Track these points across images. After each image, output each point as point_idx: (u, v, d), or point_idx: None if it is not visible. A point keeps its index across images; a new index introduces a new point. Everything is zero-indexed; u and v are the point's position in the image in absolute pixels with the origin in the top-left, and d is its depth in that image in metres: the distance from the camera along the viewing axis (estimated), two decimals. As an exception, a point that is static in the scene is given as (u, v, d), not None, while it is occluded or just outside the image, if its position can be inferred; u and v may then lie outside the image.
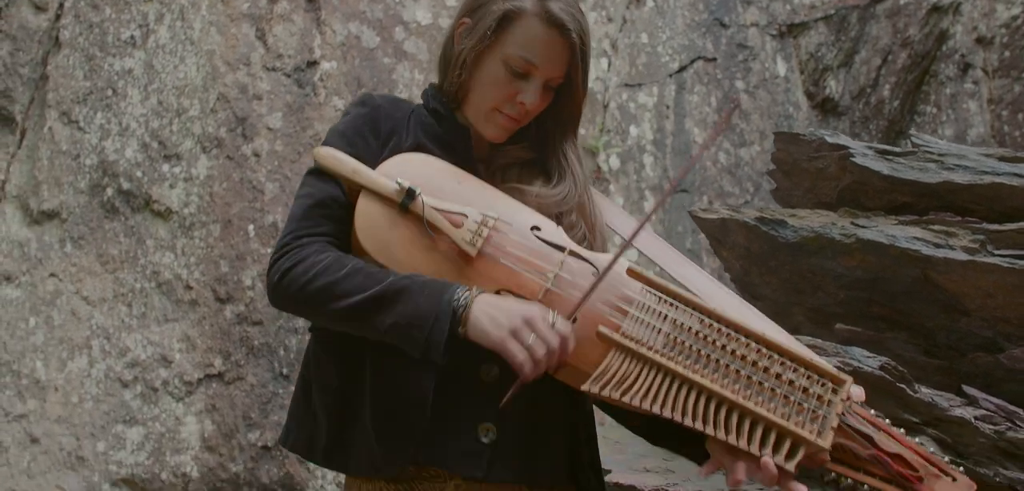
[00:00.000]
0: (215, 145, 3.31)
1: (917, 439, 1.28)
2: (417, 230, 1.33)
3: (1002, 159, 2.64)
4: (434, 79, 1.56)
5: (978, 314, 2.37)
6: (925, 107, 3.79)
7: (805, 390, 1.25)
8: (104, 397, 3.17)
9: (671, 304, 1.31)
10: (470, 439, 1.35)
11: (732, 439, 1.21)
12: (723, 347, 1.27)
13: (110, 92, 3.38)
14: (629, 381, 1.24)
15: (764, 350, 1.28)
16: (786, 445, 1.21)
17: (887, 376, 2.11)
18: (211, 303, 3.20)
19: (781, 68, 3.86)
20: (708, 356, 1.26)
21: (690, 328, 1.29)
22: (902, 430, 1.28)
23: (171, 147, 3.32)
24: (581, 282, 1.31)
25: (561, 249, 1.36)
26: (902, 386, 2.11)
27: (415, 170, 1.37)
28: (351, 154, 1.39)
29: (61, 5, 3.45)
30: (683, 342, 1.27)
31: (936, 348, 2.49)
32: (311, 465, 3.08)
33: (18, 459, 3.12)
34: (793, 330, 1.42)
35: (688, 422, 1.22)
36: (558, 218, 1.44)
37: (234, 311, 3.19)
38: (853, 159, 2.70)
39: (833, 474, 1.24)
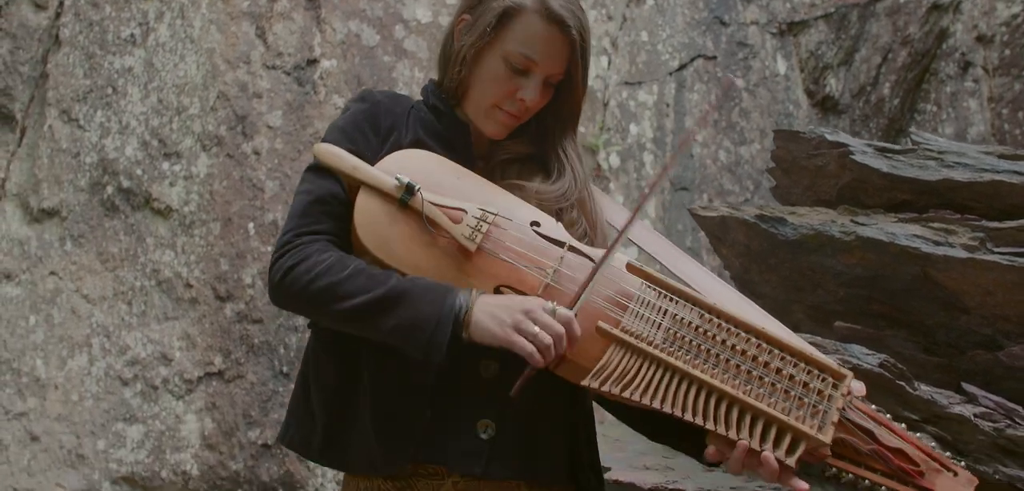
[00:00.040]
0: (215, 143, 3.31)
1: (918, 435, 1.28)
2: (417, 226, 1.32)
3: (1002, 157, 2.64)
4: (434, 76, 1.56)
5: (978, 312, 2.37)
6: (925, 105, 3.79)
7: (806, 385, 1.25)
8: (104, 395, 3.17)
9: (671, 299, 1.31)
10: (469, 436, 1.35)
11: (733, 434, 1.21)
12: (723, 342, 1.27)
13: (110, 90, 3.38)
14: (629, 376, 1.24)
15: (764, 345, 1.28)
16: (787, 440, 1.21)
17: (886, 373, 2.11)
18: (211, 301, 3.20)
19: (781, 66, 3.86)
20: (708, 351, 1.26)
21: (690, 323, 1.28)
22: (903, 425, 1.28)
23: (171, 145, 3.32)
24: (581, 277, 1.31)
25: (561, 244, 1.36)
26: (901, 383, 2.12)
27: (414, 166, 1.37)
28: (351, 150, 1.39)
29: (61, 3, 3.45)
30: (683, 337, 1.27)
31: (936, 346, 2.50)
32: (311, 463, 3.08)
33: (18, 457, 3.12)
34: (793, 328, 1.42)
35: (688, 417, 1.22)
36: (558, 214, 1.44)
37: (234, 309, 3.19)
38: (853, 156, 2.70)
39: (834, 469, 1.24)
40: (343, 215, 1.37)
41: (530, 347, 1.23)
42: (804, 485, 1.20)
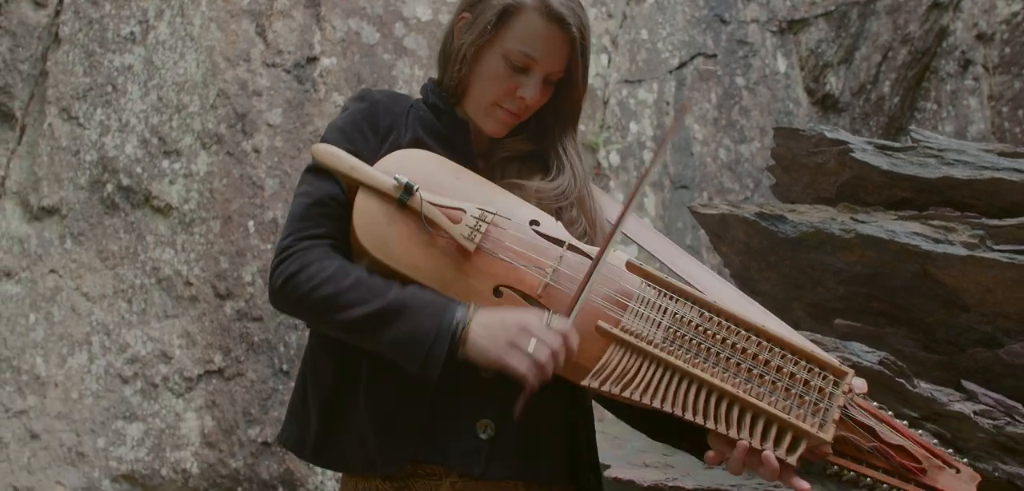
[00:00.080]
0: (215, 141, 3.31)
1: (919, 433, 1.27)
2: (415, 226, 1.32)
3: (1002, 154, 2.64)
4: (434, 75, 1.56)
5: (977, 309, 2.37)
6: (925, 103, 3.79)
7: (806, 383, 1.24)
8: (104, 393, 3.17)
9: (671, 298, 1.31)
10: (469, 436, 1.34)
11: (733, 433, 1.20)
12: (723, 340, 1.27)
13: (110, 88, 3.38)
14: (629, 376, 1.24)
15: (765, 343, 1.27)
16: (787, 439, 1.21)
17: (886, 371, 2.11)
18: (211, 299, 3.20)
19: (781, 64, 3.86)
20: (708, 350, 1.26)
21: (690, 322, 1.28)
22: (904, 423, 1.27)
23: (171, 143, 3.32)
24: (580, 276, 1.30)
25: (560, 243, 1.35)
26: (901, 381, 2.11)
27: (413, 166, 1.37)
28: (349, 150, 1.38)
29: (61, 1, 3.45)
30: (683, 336, 1.27)
31: (935, 343, 2.50)
32: (311, 461, 3.08)
33: (18, 455, 3.12)
34: (793, 325, 1.41)
35: (688, 417, 1.21)
36: (558, 213, 1.43)
37: (234, 307, 3.19)
38: (852, 154, 2.70)
39: (835, 467, 1.23)
40: (342, 216, 1.36)
41: (525, 365, 1.22)
42: (805, 484, 1.20)
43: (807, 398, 1.23)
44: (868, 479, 1.22)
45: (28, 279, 3.27)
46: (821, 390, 1.24)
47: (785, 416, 1.21)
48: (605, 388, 1.23)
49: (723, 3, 3.86)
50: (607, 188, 3.57)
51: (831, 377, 1.25)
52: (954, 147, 2.71)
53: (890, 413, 1.27)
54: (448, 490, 1.36)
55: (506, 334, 1.24)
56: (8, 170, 3.38)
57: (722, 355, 1.26)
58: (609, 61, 3.75)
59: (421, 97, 1.53)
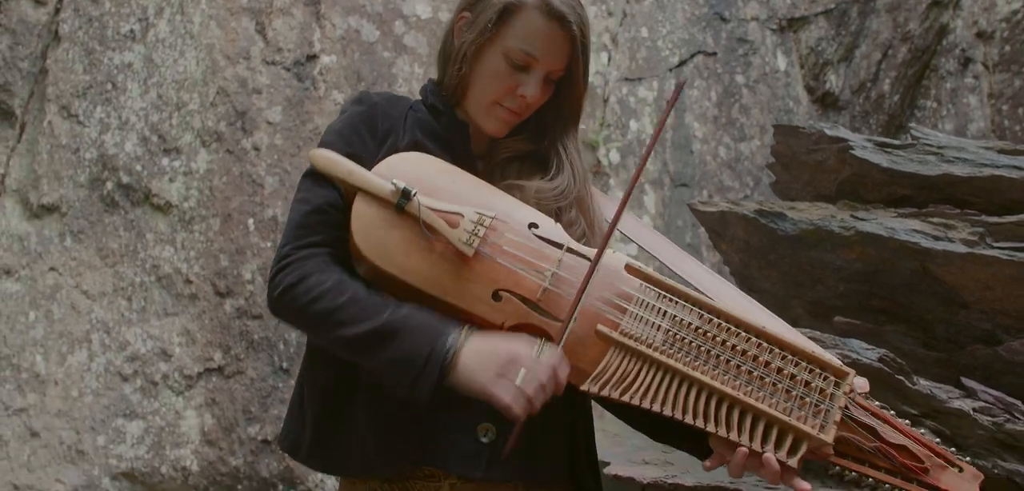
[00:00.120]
0: (215, 139, 3.31)
1: (921, 431, 1.27)
2: (414, 231, 1.31)
3: (1001, 152, 2.64)
4: (433, 73, 1.56)
5: (977, 306, 2.37)
6: (925, 102, 3.79)
7: (807, 384, 1.24)
8: (104, 391, 3.17)
9: (670, 300, 1.30)
10: (469, 439, 1.34)
11: (734, 436, 1.20)
12: (724, 342, 1.27)
13: (110, 86, 3.38)
14: (629, 380, 1.24)
15: (765, 345, 1.27)
16: (788, 441, 1.21)
17: (886, 368, 2.11)
18: (211, 297, 3.20)
19: (781, 62, 3.86)
20: (708, 352, 1.26)
21: (690, 324, 1.28)
22: (906, 421, 1.27)
23: (171, 141, 3.32)
24: (579, 279, 1.30)
25: (559, 246, 1.34)
26: (901, 378, 2.11)
27: (411, 170, 1.36)
28: (348, 153, 1.38)
29: (61, -1, 3.46)
30: (683, 338, 1.27)
31: (935, 340, 2.50)
32: (311, 458, 3.08)
33: (18, 453, 3.13)
34: (792, 323, 1.41)
35: (689, 420, 1.21)
36: (558, 213, 1.43)
37: (234, 305, 3.19)
38: (852, 151, 2.70)
39: (837, 468, 1.23)
40: (341, 223, 1.36)
41: (510, 396, 1.22)
42: (806, 486, 1.20)
43: (808, 400, 1.23)
44: (870, 479, 1.22)
45: (28, 277, 3.27)
46: (822, 391, 1.24)
47: (786, 418, 1.21)
48: (605, 392, 1.23)
49: (723, 1, 3.86)
50: (607, 186, 3.57)
51: (832, 378, 1.25)
52: (954, 144, 2.71)
53: (892, 412, 1.27)
54: None
55: (495, 364, 1.23)
56: (8, 168, 3.38)
57: (722, 358, 1.25)
58: (609, 59, 3.75)
59: (420, 98, 1.53)
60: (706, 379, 1.23)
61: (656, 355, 1.25)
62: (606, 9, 3.77)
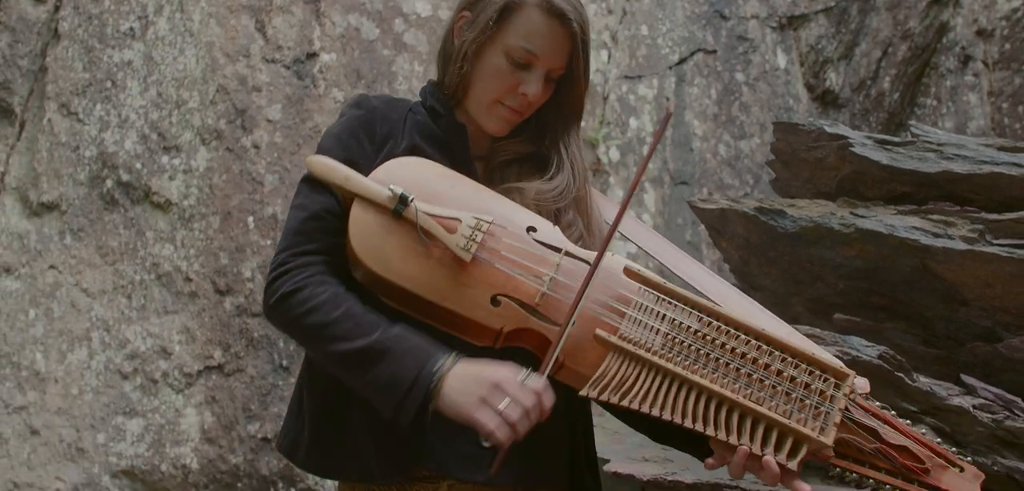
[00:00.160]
0: (215, 137, 3.31)
1: (922, 431, 1.27)
2: (411, 237, 1.31)
3: (1001, 149, 2.64)
4: (433, 72, 1.56)
5: (977, 304, 2.37)
6: (925, 100, 3.79)
7: (807, 386, 1.24)
8: (104, 389, 3.17)
9: (669, 303, 1.30)
10: (470, 443, 1.34)
11: (733, 439, 1.20)
12: (723, 345, 1.26)
13: (109, 84, 3.38)
14: (628, 384, 1.24)
15: (765, 347, 1.27)
16: (788, 443, 1.21)
17: (885, 365, 2.11)
18: (211, 295, 3.20)
19: (781, 60, 3.86)
20: (708, 355, 1.26)
21: (689, 327, 1.28)
22: (907, 421, 1.27)
23: (170, 139, 3.32)
24: (578, 283, 1.29)
25: (557, 250, 1.34)
26: (900, 375, 2.11)
27: (409, 175, 1.36)
28: (345, 159, 1.38)
29: (60, -3, 3.45)
30: (682, 342, 1.27)
31: (935, 338, 2.50)
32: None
33: (18, 451, 3.13)
34: (792, 320, 1.41)
35: (688, 424, 1.21)
36: (557, 214, 1.43)
37: (234, 303, 3.19)
38: (852, 149, 2.70)
39: (838, 469, 1.23)
40: (338, 230, 1.36)
41: (494, 423, 1.21)
42: (806, 487, 1.20)
43: (808, 402, 1.23)
44: (871, 481, 1.22)
45: (28, 275, 3.27)
46: (822, 393, 1.24)
47: (786, 421, 1.21)
48: (604, 397, 1.23)
49: (723, -1, 3.87)
50: (607, 184, 3.57)
51: (832, 380, 1.25)
52: (953, 142, 2.71)
53: (892, 412, 1.27)
54: None
55: (479, 390, 1.23)
56: (7, 166, 3.38)
57: (721, 360, 1.25)
58: (609, 57, 3.74)
59: (419, 100, 1.53)
60: (705, 382, 1.23)
61: (655, 359, 1.24)
62: (606, 7, 3.77)
